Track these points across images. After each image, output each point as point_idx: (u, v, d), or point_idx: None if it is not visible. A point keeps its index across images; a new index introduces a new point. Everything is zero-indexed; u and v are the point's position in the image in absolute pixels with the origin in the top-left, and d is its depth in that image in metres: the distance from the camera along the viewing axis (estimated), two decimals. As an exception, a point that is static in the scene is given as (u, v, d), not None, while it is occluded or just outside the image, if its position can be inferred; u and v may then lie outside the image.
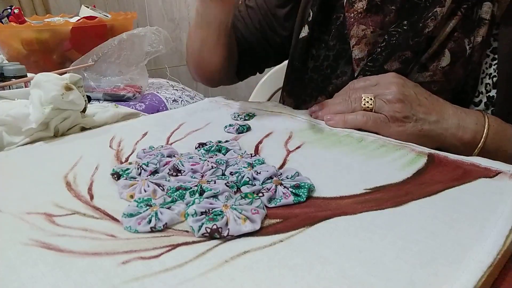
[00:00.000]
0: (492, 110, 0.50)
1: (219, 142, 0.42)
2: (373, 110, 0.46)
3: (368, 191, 0.32)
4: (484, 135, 0.44)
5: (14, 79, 0.66)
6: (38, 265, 0.24)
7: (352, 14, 0.53)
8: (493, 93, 0.49)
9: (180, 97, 0.78)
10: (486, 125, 0.44)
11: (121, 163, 0.39)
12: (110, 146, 0.44)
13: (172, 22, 1.86)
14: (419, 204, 0.30)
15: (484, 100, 0.50)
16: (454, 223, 0.27)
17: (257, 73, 0.76)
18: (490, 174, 0.34)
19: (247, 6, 0.67)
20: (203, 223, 0.27)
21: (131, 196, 0.32)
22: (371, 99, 0.46)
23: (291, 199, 0.31)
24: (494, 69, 0.49)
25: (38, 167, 0.39)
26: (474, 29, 0.48)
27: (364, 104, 0.46)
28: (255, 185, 0.33)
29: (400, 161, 0.37)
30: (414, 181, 0.34)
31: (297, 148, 0.42)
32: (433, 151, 0.39)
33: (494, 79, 0.49)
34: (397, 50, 0.51)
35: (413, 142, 0.42)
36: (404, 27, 0.50)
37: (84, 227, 0.28)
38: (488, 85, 0.50)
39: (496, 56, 0.49)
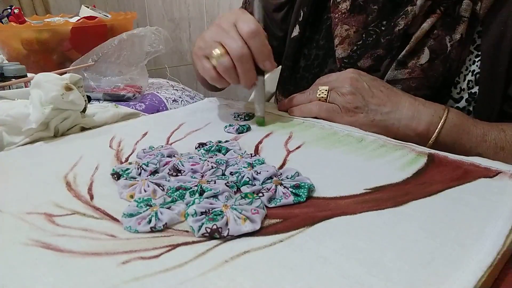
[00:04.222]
0: (473, 107, 0.51)
1: (219, 142, 0.42)
2: (327, 101, 0.50)
3: (368, 191, 0.32)
4: (439, 127, 0.45)
5: (14, 79, 0.66)
6: (38, 265, 0.24)
7: (337, 15, 0.55)
8: (475, 89, 0.50)
9: (180, 97, 0.78)
10: (443, 118, 0.45)
11: (121, 163, 0.39)
12: (110, 146, 0.44)
13: (172, 22, 1.86)
14: (419, 204, 0.30)
15: (466, 96, 0.51)
16: (454, 223, 0.27)
17: None
18: (490, 174, 0.34)
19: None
20: (203, 223, 0.27)
21: (131, 196, 0.32)
22: (326, 90, 0.50)
23: (291, 199, 0.31)
24: (477, 65, 0.50)
25: (38, 167, 0.39)
26: (455, 27, 0.49)
27: (319, 95, 0.50)
28: (255, 185, 0.33)
29: (400, 161, 0.37)
30: (414, 181, 0.34)
31: (297, 148, 0.42)
32: (433, 151, 0.39)
33: (477, 76, 0.50)
34: (371, 48, 0.52)
35: (367, 131, 0.46)
36: (382, 27, 0.52)
37: (84, 227, 0.28)
38: (470, 82, 0.50)
39: (479, 53, 0.49)
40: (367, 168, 0.36)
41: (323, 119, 0.50)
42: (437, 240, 0.25)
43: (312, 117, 0.51)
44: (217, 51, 0.46)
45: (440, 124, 0.45)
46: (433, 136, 0.45)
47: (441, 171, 0.35)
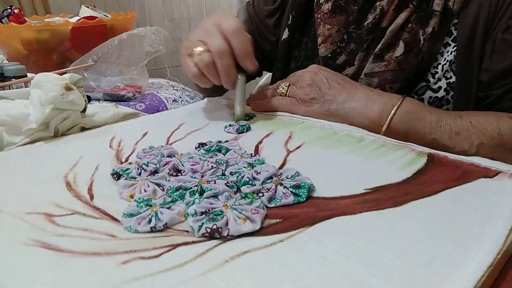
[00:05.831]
0: (452, 95, 0.52)
1: (219, 142, 0.42)
2: (287, 95, 0.54)
3: (368, 191, 0.32)
4: (391, 113, 0.47)
5: (14, 79, 0.66)
6: (38, 265, 0.24)
7: (320, 15, 0.57)
8: (453, 79, 0.52)
9: (180, 97, 0.78)
10: (396, 105, 0.47)
11: (121, 163, 0.39)
12: (110, 146, 0.44)
13: (172, 22, 1.86)
14: (419, 204, 0.30)
15: (444, 86, 0.52)
16: (454, 223, 0.27)
17: (257, 77, 0.81)
18: (490, 174, 0.34)
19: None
20: (203, 223, 0.27)
21: (131, 196, 0.32)
22: (286, 86, 0.54)
23: (291, 199, 0.31)
24: (454, 55, 0.51)
25: (38, 167, 0.39)
26: (428, 21, 0.51)
27: (280, 90, 0.54)
28: (255, 185, 0.33)
29: (400, 161, 0.37)
30: (414, 181, 0.34)
31: (297, 148, 0.42)
32: (433, 151, 0.39)
33: (453, 66, 0.51)
34: (347, 46, 0.55)
35: (325, 120, 0.49)
36: (363, 29, 0.53)
37: (84, 227, 0.28)
38: (447, 72, 0.52)
39: (456, 44, 0.51)
40: (367, 168, 0.36)
41: (285, 112, 0.53)
42: (437, 240, 0.25)
43: (274, 111, 0.54)
44: (199, 49, 0.48)
45: (393, 110, 0.47)
46: (386, 122, 0.47)
47: (441, 171, 0.35)
